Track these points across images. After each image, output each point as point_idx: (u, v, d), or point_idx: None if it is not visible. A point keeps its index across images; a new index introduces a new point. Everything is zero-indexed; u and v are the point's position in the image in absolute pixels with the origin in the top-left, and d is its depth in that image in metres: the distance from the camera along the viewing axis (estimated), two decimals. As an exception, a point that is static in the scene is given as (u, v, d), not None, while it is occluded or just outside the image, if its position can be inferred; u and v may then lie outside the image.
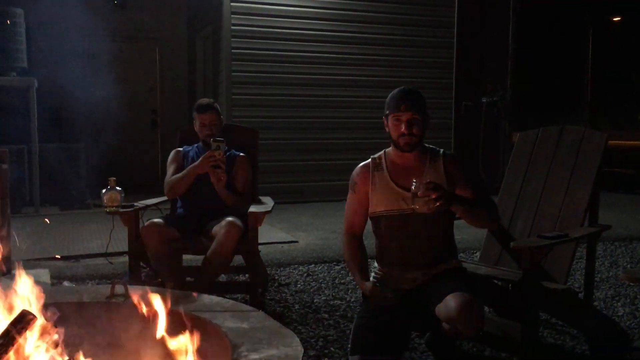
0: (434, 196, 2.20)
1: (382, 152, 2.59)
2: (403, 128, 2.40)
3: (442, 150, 2.55)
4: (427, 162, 2.49)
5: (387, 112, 2.46)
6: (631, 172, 9.76)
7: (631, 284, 3.81)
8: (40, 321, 1.66)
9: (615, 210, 6.56)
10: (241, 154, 3.46)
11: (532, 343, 2.55)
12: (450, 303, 2.22)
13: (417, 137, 2.42)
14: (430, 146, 2.56)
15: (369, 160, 2.59)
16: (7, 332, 1.59)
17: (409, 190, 2.35)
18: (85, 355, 1.71)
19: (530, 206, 3.05)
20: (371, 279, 2.54)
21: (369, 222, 2.59)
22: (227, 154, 3.31)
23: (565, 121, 3.59)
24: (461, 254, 4.55)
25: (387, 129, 2.49)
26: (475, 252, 4.56)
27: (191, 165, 3.29)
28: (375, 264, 2.61)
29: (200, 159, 3.24)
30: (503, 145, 8.18)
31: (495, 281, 2.92)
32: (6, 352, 1.57)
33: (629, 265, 4.58)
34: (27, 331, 1.61)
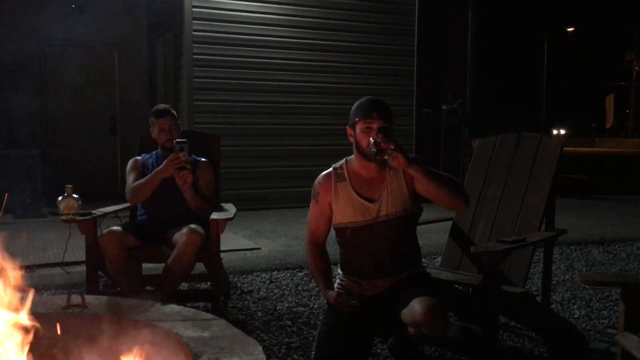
0: (391, 146, 2.21)
1: (342, 161, 2.56)
2: (374, 135, 2.33)
3: None
4: (387, 171, 2.48)
5: (356, 119, 2.38)
6: (585, 178, 10.06)
7: (587, 286, 3.91)
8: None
9: (571, 215, 6.74)
10: (203, 159, 3.42)
11: (492, 346, 2.59)
12: (415, 307, 2.24)
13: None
14: None
15: (330, 169, 2.56)
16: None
17: (371, 201, 2.40)
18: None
19: (490, 211, 3.11)
20: (336, 287, 2.54)
21: (332, 229, 2.59)
22: (189, 158, 3.27)
23: (523, 128, 3.68)
24: (423, 259, 4.59)
25: (351, 139, 2.44)
26: (437, 257, 4.61)
27: (156, 170, 3.23)
28: (340, 272, 2.61)
29: (165, 162, 3.19)
30: (463, 151, 8.32)
31: (457, 285, 2.96)
32: None
33: (584, 269, 4.70)
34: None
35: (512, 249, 2.60)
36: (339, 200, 2.49)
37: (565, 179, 8.43)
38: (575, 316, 3.45)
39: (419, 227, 2.60)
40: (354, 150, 2.48)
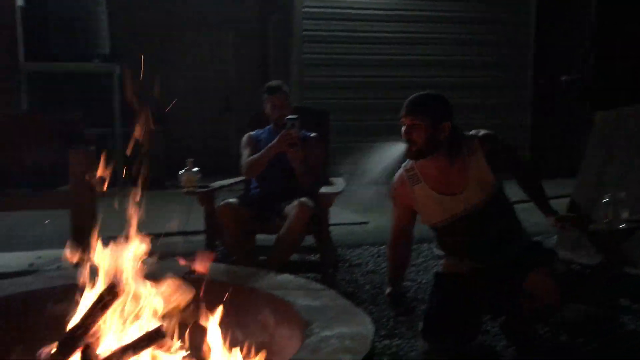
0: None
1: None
2: (403, 134, 2.33)
3: (476, 135, 2.42)
4: (465, 158, 2.37)
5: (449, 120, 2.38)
6: None
7: None
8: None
9: None
10: (313, 134, 3.49)
11: (610, 329, 2.47)
12: (531, 275, 2.24)
13: (417, 144, 2.31)
14: (466, 135, 2.42)
15: (402, 170, 2.50)
16: (92, 309, 1.65)
17: (454, 194, 2.36)
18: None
19: (611, 189, 2.93)
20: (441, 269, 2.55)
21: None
22: (300, 134, 3.35)
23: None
24: (537, 238, 4.41)
25: (442, 136, 2.37)
26: (552, 236, 4.41)
27: (268, 145, 3.34)
28: (439, 252, 2.60)
29: (277, 138, 3.29)
30: (583, 125, 7.83)
31: (573, 265, 2.84)
32: (88, 330, 1.62)
33: None
34: (112, 305, 1.67)
35: (635, 228, 2.44)
36: (419, 203, 2.45)
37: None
38: None
39: (526, 205, 2.52)
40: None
